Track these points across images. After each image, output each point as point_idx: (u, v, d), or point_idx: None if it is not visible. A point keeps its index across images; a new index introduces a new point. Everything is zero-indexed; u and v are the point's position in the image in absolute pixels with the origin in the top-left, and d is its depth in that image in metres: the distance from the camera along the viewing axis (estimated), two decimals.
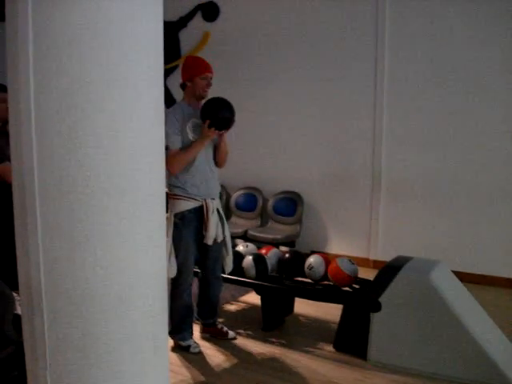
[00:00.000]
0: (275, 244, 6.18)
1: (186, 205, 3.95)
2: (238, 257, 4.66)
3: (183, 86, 4.06)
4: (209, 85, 3.99)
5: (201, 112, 3.90)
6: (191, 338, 4.23)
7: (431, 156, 6.27)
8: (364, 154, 6.71)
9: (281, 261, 4.70)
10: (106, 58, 1.99)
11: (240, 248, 4.90)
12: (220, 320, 4.82)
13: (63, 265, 2.04)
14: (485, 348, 3.62)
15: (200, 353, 4.15)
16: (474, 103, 5.99)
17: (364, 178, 6.73)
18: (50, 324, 2.09)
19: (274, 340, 4.41)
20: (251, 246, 4.97)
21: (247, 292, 5.42)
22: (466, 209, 6.13)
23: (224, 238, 4.18)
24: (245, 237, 6.70)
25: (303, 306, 4.96)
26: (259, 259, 4.61)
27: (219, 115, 3.83)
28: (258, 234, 6.76)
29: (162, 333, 2.35)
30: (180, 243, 3.97)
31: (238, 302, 5.34)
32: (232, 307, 5.22)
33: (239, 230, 6.86)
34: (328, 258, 4.58)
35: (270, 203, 7.20)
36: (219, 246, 4.17)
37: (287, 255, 4.72)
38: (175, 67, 8.03)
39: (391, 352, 3.91)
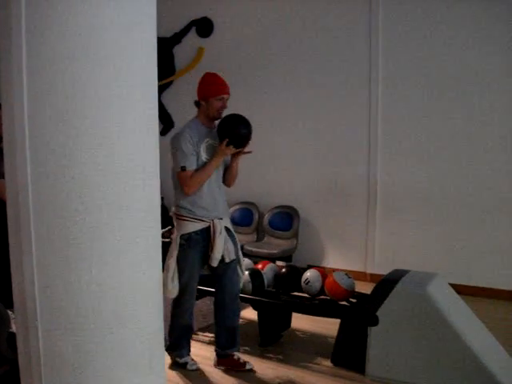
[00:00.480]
0: (272, 259, 6.15)
1: (192, 226, 3.88)
2: None
3: (197, 104, 3.93)
4: (224, 107, 3.88)
5: (218, 129, 3.84)
6: (188, 354, 4.17)
7: (427, 169, 6.28)
8: (360, 168, 6.71)
9: (277, 276, 4.69)
10: (99, 75, 1.99)
11: None
12: None
13: (58, 282, 2.02)
14: (483, 361, 3.60)
15: (197, 370, 4.11)
16: (471, 116, 6.00)
17: (360, 191, 6.73)
18: (44, 341, 2.07)
19: (271, 355, 4.38)
20: (247, 261, 4.94)
21: (244, 307, 5.37)
22: (462, 221, 6.13)
23: (237, 256, 4.07)
24: (241, 252, 6.66)
25: (300, 321, 4.94)
26: (255, 274, 4.60)
27: (237, 132, 3.78)
28: (254, 249, 6.75)
29: (158, 350, 2.32)
30: (185, 264, 3.89)
31: None
32: None
33: None
34: (325, 273, 4.57)
35: (266, 218, 7.19)
36: (233, 265, 4.04)
37: (284, 270, 4.70)
38: (170, 83, 8.07)
39: (389, 366, 3.89)
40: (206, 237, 3.89)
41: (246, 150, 3.94)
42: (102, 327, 2.08)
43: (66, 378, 2.09)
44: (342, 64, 6.74)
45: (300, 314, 4.62)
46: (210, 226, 3.87)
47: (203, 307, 5.43)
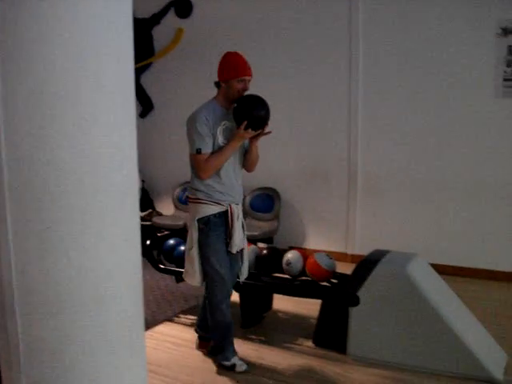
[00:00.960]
0: (253, 241, 6.15)
1: (210, 209, 3.66)
2: None
3: (217, 85, 3.73)
4: (245, 88, 3.65)
5: (234, 112, 3.62)
6: (235, 355, 3.88)
7: (407, 149, 6.29)
8: (340, 149, 6.70)
9: (258, 257, 4.68)
10: (73, 57, 1.95)
11: None
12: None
13: (35, 266, 2.00)
14: (464, 340, 3.64)
15: (247, 371, 3.82)
16: (450, 96, 6.01)
17: (340, 172, 6.73)
18: (23, 326, 2.05)
19: (253, 337, 4.39)
20: None
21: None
22: (442, 202, 6.17)
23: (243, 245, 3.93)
24: None
25: (282, 302, 4.95)
26: None
27: (255, 114, 3.56)
28: None
29: (138, 334, 2.31)
30: (208, 249, 3.68)
31: None
32: None
33: None
34: (306, 254, 4.57)
35: (247, 200, 7.18)
36: (238, 255, 3.89)
37: (265, 252, 4.69)
38: (149, 65, 7.98)
39: (370, 346, 3.92)
40: (223, 221, 3.71)
41: (266, 130, 3.70)
42: (80, 311, 2.06)
43: (46, 363, 2.07)
44: (322, 47, 6.69)
45: (281, 296, 4.63)
46: (227, 211, 3.70)
47: (184, 289, 5.42)
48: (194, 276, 3.77)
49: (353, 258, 6.50)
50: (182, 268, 4.74)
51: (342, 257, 6.60)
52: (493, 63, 5.77)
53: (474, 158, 5.96)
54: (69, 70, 1.95)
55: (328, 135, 6.78)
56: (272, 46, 6.99)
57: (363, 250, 5.75)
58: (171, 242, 5.02)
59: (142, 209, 7.48)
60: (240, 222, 3.79)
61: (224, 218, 3.71)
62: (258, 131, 3.64)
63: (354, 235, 6.70)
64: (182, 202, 7.44)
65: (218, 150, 3.62)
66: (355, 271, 4.14)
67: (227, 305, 3.82)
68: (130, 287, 2.22)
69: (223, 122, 3.66)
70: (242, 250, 3.92)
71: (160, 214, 7.80)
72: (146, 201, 7.95)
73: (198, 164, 3.62)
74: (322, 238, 6.96)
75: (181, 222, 7.12)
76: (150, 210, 7.79)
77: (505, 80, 5.72)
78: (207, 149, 3.60)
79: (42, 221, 1.97)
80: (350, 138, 6.61)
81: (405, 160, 6.32)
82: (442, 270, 5.08)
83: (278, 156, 7.13)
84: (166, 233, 5.43)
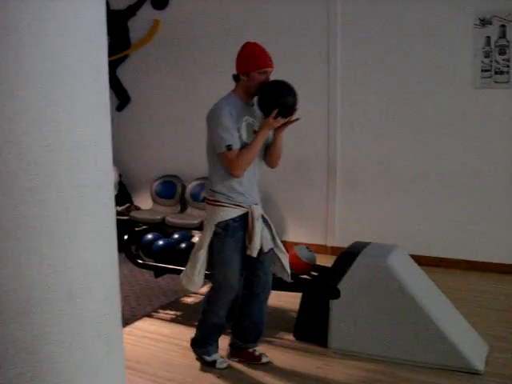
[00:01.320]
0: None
1: (230, 213, 3.47)
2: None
3: (236, 78, 3.54)
4: (267, 81, 3.46)
5: (261, 100, 3.43)
6: (216, 352, 3.80)
7: (385, 142, 6.30)
8: (319, 142, 6.68)
9: None
10: (45, 47, 1.88)
11: (196, 239, 4.81)
12: (178, 313, 4.76)
13: (8, 264, 1.93)
14: (444, 331, 3.65)
15: (228, 368, 3.77)
16: (428, 88, 6.03)
17: (319, 164, 6.71)
18: None
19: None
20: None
21: (204, 283, 5.33)
22: (422, 193, 6.19)
23: (275, 242, 3.73)
24: (202, 228, 6.62)
25: None
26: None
27: (283, 101, 3.38)
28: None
29: (115, 332, 2.26)
30: (222, 256, 3.53)
31: (196, 294, 5.25)
32: (189, 300, 5.15)
33: (195, 222, 6.81)
34: (285, 247, 4.53)
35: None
36: (270, 255, 3.69)
37: None
38: (125, 57, 7.87)
39: (351, 339, 3.91)
40: (242, 225, 3.52)
41: (294, 117, 3.52)
42: (55, 309, 2.00)
43: (21, 364, 2.01)
44: (300, 38, 6.65)
45: None
46: (247, 213, 3.51)
47: (163, 284, 5.37)
48: (192, 280, 3.60)
49: (333, 251, 6.50)
50: (161, 263, 4.72)
51: (322, 249, 6.60)
52: (471, 54, 5.78)
53: (452, 148, 5.99)
54: (40, 62, 1.88)
55: (306, 128, 6.73)
56: (251, 37, 6.92)
57: (343, 242, 5.76)
58: (149, 236, 4.97)
59: (120, 203, 7.40)
60: (260, 223, 3.57)
61: (243, 222, 3.52)
62: (287, 118, 3.46)
63: (334, 228, 6.69)
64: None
65: (245, 146, 3.43)
66: (335, 264, 4.13)
67: (224, 311, 3.71)
68: (106, 284, 2.16)
69: (245, 117, 3.48)
70: (279, 248, 3.76)
71: (138, 208, 7.72)
72: (124, 195, 7.86)
73: (231, 161, 3.39)
74: (302, 230, 6.94)
75: (159, 216, 7.07)
76: (128, 205, 7.71)
77: (483, 71, 5.73)
78: (237, 144, 3.39)
79: (13, 216, 1.90)
80: (328, 131, 6.60)
81: (383, 152, 6.32)
82: (422, 260, 5.10)
83: None
84: (144, 227, 5.37)
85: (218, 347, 3.82)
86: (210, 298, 3.71)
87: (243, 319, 3.82)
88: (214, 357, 3.77)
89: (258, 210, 3.56)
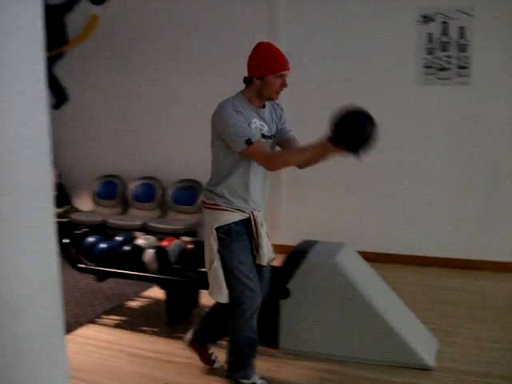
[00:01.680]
0: (176, 235, 5.99)
1: (231, 217, 3.24)
2: (138, 251, 4.48)
3: (247, 81, 3.24)
4: (284, 85, 3.18)
5: (337, 124, 3.10)
6: (255, 372, 3.48)
7: None
8: None
9: (184, 252, 4.54)
10: None
11: (140, 241, 4.67)
12: (123, 318, 4.62)
13: None
14: (395, 328, 3.65)
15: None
16: (372, 84, 6.06)
17: None
18: None
19: (180, 335, 4.20)
20: (152, 239, 4.76)
21: (150, 287, 5.20)
22: (369, 189, 6.22)
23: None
24: (145, 229, 6.49)
25: (209, 298, 4.75)
26: (160, 252, 4.43)
27: (368, 144, 3.08)
28: (158, 226, 6.56)
29: (59, 345, 2.14)
30: (233, 262, 3.26)
31: (141, 297, 5.12)
32: (134, 303, 5.01)
33: (138, 223, 6.65)
34: None
35: (169, 193, 7.00)
36: (269, 266, 3.51)
37: (190, 246, 4.57)
38: (63, 54, 7.61)
39: (303, 338, 3.86)
40: (246, 229, 3.30)
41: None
42: None
43: None
44: (240, 30, 6.54)
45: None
46: (249, 218, 3.29)
47: (106, 289, 5.20)
48: (220, 292, 3.32)
49: (281, 249, 6.42)
50: (103, 266, 4.57)
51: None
52: (413, 50, 5.83)
53: (397, 144, 6.02)
54: None
55: None
56: (191, 36, 6.80)
57: (291, 240, 5.69)
58: (91, 239, 4.80)
59: (59, 205, 7.14)
60: (264, 230, 3.39)
61: (245, 226, 3.30)
62: (351, 154, 3.14)
63: (281, 226, 6.63)
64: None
65: (299, 147, 3.28)
66: (285, 263, 4.06)
67: (254, 319, 3.39)
68: (47, 293, 2.04)
69: (253, 120, 3.20)
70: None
71: (78, 210, 7.49)
72: (63, 196, 7.60)
73: (258, 155, 3.12)
74: None
75: (100, 218, 6.87)
76: (68, 207, 7.47)
77: (425, 67, 5.79)
78: (256, 136, 3.12)
79: None
80: None
81: None
82: (370, 257, 5.09)
83: (199, 148, 6.96)
84: (85, 230, 5.18)
85: (255, 368, 3.51)
86: (234, 314, 3.39)
87: (215, 325, 3.69)
88: (253, 379, 3.46)
89: (260, 217, 3.37)
